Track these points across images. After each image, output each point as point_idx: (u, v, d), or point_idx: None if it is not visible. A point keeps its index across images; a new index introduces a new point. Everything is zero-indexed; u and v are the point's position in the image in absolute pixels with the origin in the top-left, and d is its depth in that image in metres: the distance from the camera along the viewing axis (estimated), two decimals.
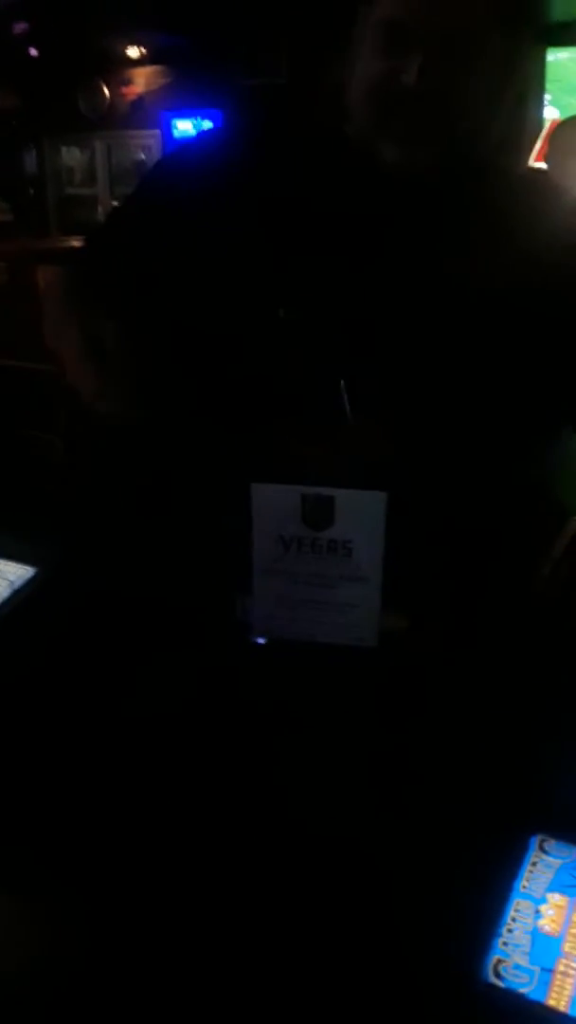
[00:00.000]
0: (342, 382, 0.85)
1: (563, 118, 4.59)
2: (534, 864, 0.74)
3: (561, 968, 0.67)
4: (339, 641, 0.93)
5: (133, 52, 5.64)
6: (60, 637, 0.87)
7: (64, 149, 6.22)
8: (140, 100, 5.68)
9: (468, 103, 0.84)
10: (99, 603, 0.90)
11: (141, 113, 5.68)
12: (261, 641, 0.94)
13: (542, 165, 3.60)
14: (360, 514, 0.89)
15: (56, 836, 0.84)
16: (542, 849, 0.76)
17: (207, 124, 5.19)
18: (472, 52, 0.82)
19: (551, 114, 4.82)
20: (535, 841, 0.76)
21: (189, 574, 0.94)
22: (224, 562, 0.92)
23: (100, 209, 5.95)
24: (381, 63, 0.84)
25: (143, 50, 5.61)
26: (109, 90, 5.83)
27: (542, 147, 4.60)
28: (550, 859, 0.75)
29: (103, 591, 0.90)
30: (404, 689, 0.91)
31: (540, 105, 4.80)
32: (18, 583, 0.84)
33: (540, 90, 4.91)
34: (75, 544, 0.90)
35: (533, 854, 0.75)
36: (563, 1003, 0.65)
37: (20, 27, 5.19)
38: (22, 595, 0.83)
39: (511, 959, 0.68)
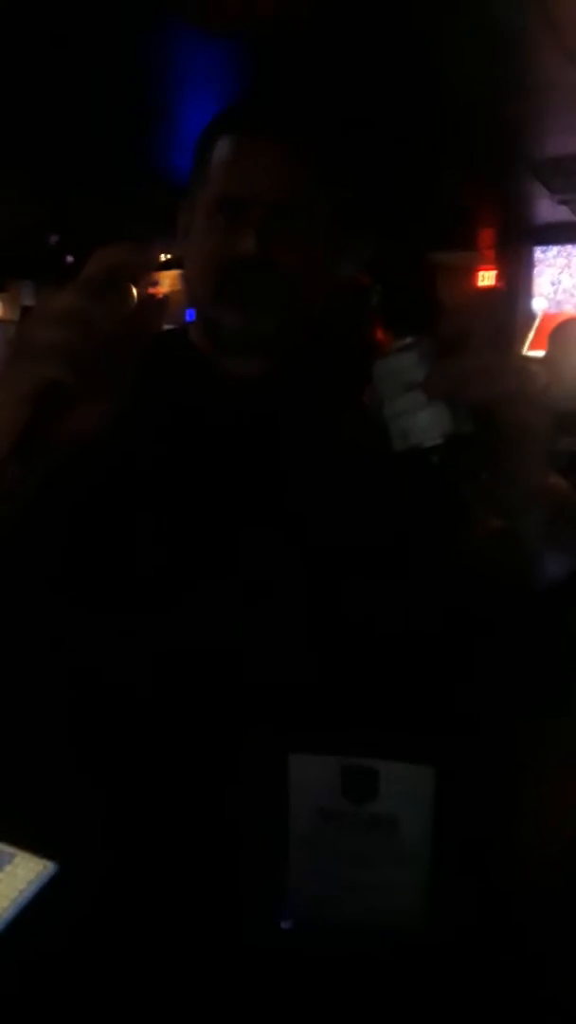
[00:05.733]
0: None
1: (554, 312, 4.80)
2: None
3: None
4: (382, 928, 0.81)
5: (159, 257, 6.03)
6: (81, 936, 0.76)
7: None
8: (165, 299, 6.00)
9: (302, 269, 0.88)
10: (119, 894, 0.79)
11: (166, 310, 6.00)
12: (287, 926, 0.83)
13: (538, 353, 3.73)
14: (406, 789, 0.81)
15: None
16: None
17: None
18: (298, 219, 0.88)
19: (540, 305, 5.05)
20: None
21: (220, 853, 0.83)
22: (258, 839, 0.83)
23: None
24: (219, 237, 0.88)
25: (167, 255, 5.99)
26: (137, 291, 6.17)
27: (535, 338, 4.80)
28: None
29: (125, 881, 0.79)
30: (445, 985, 0.79)
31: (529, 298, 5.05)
32: (36, 884, 0.74)
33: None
34: (97, 830, 0.80)
35: None
36: None
37: (54, 239, 5.64)
38: (42, 897, 0.73)
39: None
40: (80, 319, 0.69)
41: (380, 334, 0.95)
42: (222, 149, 0.90)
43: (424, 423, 0.72)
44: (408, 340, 0.73)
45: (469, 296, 5.17)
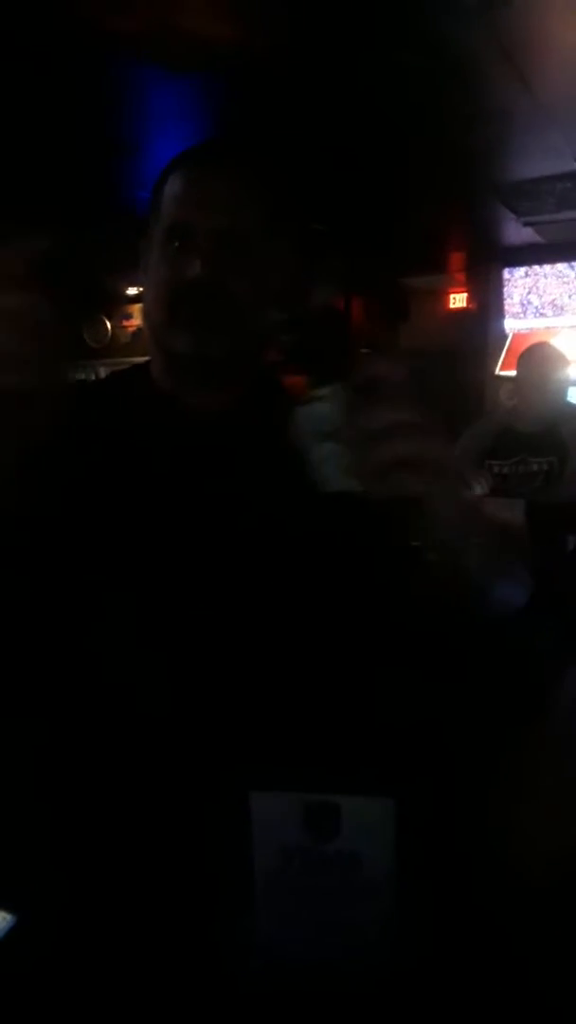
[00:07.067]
0: None
1: (524, 332, 4.84)
2: None
3: None
4: (349, 965, 0.79)
5: (132, 291, 6.04)
6: (42, 987, 0.73)
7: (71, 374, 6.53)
8: (138, 332, 6.03)
9: (252, 293, 0.90)
10: (81, 943, 0.76)
11: (139, 342, 6.01)
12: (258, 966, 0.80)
13: (511, 373, 3.75)
14: (368, 823, 0.78)
15: None
16: None
17: None
18: (247, 247, 0.90)
19: (510, 325, 5.07)
20: None
21: (187, 896, 0.81)
22: (224, 880, 0.80)
23: None
24: (170, 262, 0.90)
25: (140, 289, 6.01)
26: (111, 323, 6.20)
27: (506, 357, 4.83)
28: None
29: (86, 928, 0.76)
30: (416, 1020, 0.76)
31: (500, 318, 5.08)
32: None
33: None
34: (55, 877, 0.77)
35: None
36: None
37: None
38: (1, 948, 0.70)
39: None
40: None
41: (296, 380, 0.96)
42: (173, 183, 0.92)
43: (342, 470, 0.72)
44: (324, 391, 0.73)
45: (440, 319, 5.21)
